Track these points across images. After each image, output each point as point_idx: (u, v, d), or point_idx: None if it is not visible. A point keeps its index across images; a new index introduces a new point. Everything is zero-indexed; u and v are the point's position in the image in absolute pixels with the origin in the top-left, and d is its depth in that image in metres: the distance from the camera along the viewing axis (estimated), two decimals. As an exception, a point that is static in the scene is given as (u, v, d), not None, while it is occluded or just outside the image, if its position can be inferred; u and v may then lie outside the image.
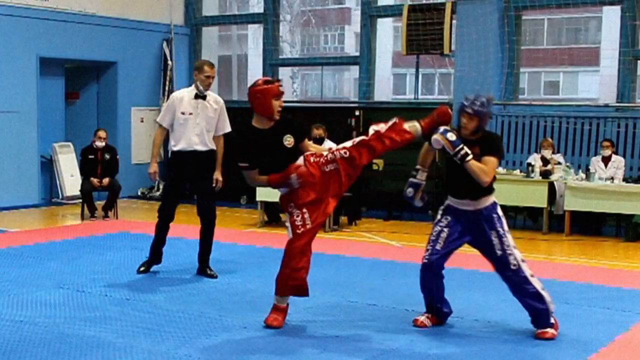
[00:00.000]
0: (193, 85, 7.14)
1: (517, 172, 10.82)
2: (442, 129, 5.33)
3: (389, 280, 7.21)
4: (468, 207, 5.57)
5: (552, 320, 5.51)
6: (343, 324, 5.69)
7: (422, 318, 5.69)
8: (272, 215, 11.18)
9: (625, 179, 10.16)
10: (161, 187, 14.34)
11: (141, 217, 11.77)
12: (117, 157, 11.61)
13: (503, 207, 11.55)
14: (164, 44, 14.48)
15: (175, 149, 7.12)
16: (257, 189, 10.77)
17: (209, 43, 15.54)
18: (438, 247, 5.60)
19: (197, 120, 7.05)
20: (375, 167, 12.65)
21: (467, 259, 8.60)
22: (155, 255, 7.39)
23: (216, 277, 7.13)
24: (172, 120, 7.08)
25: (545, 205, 10.39)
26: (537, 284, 5.45)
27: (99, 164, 11.35)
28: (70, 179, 12.96)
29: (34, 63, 12.56)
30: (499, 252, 5.46)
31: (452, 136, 5.26)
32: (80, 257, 8.08)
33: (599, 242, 9.94)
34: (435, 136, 5.34)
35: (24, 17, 12.35)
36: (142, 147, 14.38)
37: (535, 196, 10.42)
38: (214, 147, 7.18)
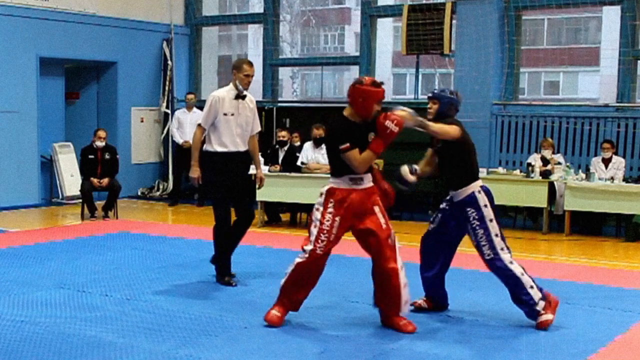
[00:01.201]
0: (231, 85, 6.92)
1: (517, 172, 10.82)
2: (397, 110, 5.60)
3: (389, 280, 7.19)
4: (452, 198, 5.91)
5: (540, 308, 5.63)
6: (343, 324, 5.69)
7: (420, 300, 6.05)
8: (272, 215, 11.19)
9: (625, 179, 10.16)
10: (161, 187, 14.37)
11: (141, 217, 11.77)
12: (117, 157, 11.60)
13: (503, 207, 11.65)
14: (164, 44, 14.49)
15: (216, 150, 6.86)
16: (257, 190, 10.77)
17: (209, 43, 15.54)
18: (433, 225, 6.08)
19: (238, 121, 6.88)
20: (375, 167, 12.64)
21: (467, 259, 8.60)
22: (226, 265, 7.07)
23: (235, 285, 6.94)
24: (213, 121, 6.84)
25: (545, 205, 10.39)
26: (516, 269, 5.66)
27: (98, 164, 11.35)
28: (70, 179, 12.96)
29: (34, 63, 12.56)
30: (474, 243, 5.78)
31: (405, 111, 5.58)
32: (81, 257, 8.08)
33: (599, 242, 9.94)
34: (392, 118, 5.55)
35: (24, 17, 12.35)
36: (142, 147, 14.39)
37: (535, 196, 10.42)
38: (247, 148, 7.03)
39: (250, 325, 5.60)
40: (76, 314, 5.83)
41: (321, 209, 5.48)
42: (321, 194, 5.57)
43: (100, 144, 11.38)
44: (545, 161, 10.75)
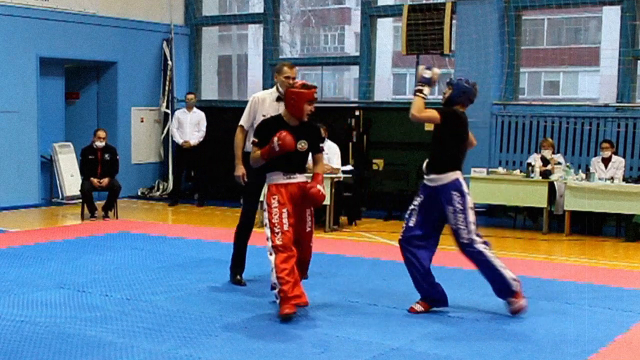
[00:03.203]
0: (274, 87, 6.93)
1: (517, 172, 10.82)
2: (425, 67, 6.05)
3: (389, 280, 7.21)
4: (433, 183, 6.03)
5: (515, 288, 5.91)
6: (343, 324, 5.69)
7: (415, 305, 6.06)
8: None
9: (625, 179, 10.16)
10: (161, 187, 14.37)
11: (141, 217, 11.77)
12: (117, 157, 11.60)
13: (503, 207, 11.63)
14: (164, 44, 14.49)
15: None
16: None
17: (209, 43, 15.54)
18: (411, 224, 6.12)
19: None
20: (375, 167, 12.65)
21: (467, 259, 8.60)
22: (239, 265, 7.06)
23: (245, 284, 6.97)
24: (252, 121, 6.83)
25: (545, 205, 10.39)
26: (489, 253, 5.92)
27: (98, 164, 11.35)
28: (70, 179, 12.96)
29: (34, 63, 12.56)
30: (453, 226, 5.95)
31: (427, 73, 5.97)
32: (81, 257, 8.08)
33: (599, 242, 9.94)
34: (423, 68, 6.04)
35: (24, 17, 12.35)
36: (142, 147, 14.39)
37: (535, 196, 10.42)
38: None
39: (250, 326, 5.61)
40: (76, 314, 5.83)
41: (267, 208, 5.90)
42: (263, 195, 6.11)
43: (100, 144, 11.38)
44: (545, 161, 10.75)
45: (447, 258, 8.53)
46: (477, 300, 6.50)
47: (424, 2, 13.39)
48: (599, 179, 10.09)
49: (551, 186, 10.31)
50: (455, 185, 6.00)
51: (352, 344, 5.22)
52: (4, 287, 6.65)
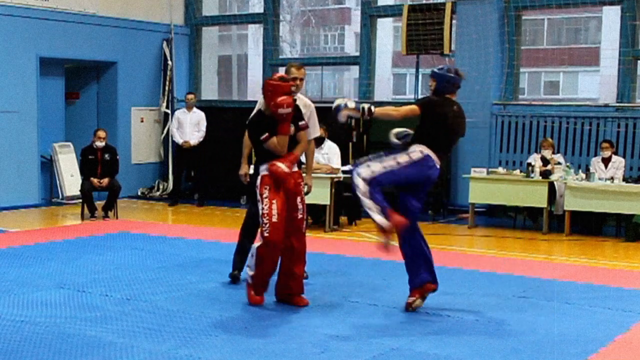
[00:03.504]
0: None
1: (517, 172, 10.82)
2: (341, 104, 5.80)
3: (389, 280, 7.21)
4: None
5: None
6: (343, 324, 5.69)
7: (409, 300, 6.08)
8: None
9: (625, 179, 10.16)
10: (161, 187, 14.37)
11: (141, 217, 11.77)
12: (117, 157, 11.60)
13: (503, 207, 11.63)
14: (164, 44, 14.48)
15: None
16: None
17: (209, 43, 15.54)
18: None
19: None
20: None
21: (467, 259, 8.62)
22: (241, 261, 7.02)
23: (238, 282, 7.04)
24: None
25: (545, 205, 10.39)
26: (362, 189, 5.74)
27: (98, 164, 11.35)
28: (70, 179, 12.96)
29: (34, 63, 12.56)
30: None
31: (351, 103, 5.79)
32: (81, 257, 8.08)
33: (599, 242, 9.94)
34: (340, 113, 5.83)
35: (24, 17, 12.35)
36: (142, 147, 14.39)
37: (535, 196, 10.42)
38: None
39: (250, 325, 5.61)
40: (76, 314, 5.83)
41: (259, 197, 6.06)
42: (257, 186, 6.15)
43: (100, 144, 11.37)
44: (545, 161, 10.75)
45: (447, 258, 8.55)
46: (477, 300, 6.50)
47: (424, 2, 13.39)
48: (599, 179, 10.09)
49: (551, 186, 10.32)
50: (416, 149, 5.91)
51: (352, 344, 5.22)
52: (4, 287, 6.65)
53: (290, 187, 6.11)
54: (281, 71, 14.96)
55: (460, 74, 6.19)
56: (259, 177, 6.15)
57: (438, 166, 5.99)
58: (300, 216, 6.16)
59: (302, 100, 6.86)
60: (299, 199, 6.17)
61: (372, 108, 5.83)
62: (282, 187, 6.05)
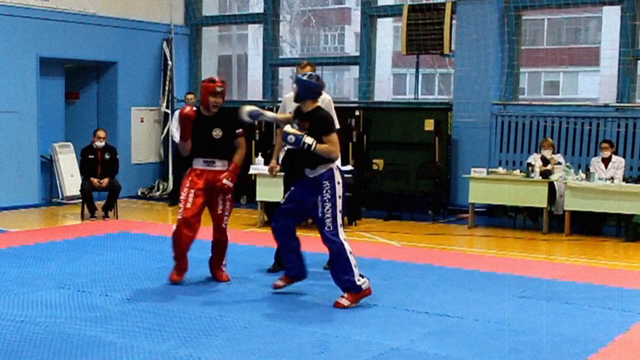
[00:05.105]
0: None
1: (517, 172, 10.82)
2: (286, 133, 6.19)
3: (389, 280, 7.21)
4: (308, 175, 6.31)
5: (361, 285, 6.16)
6: (343, 324, 5.69)
7: (279, 281, 6.60)
8: (272, 215, 11.16)
9: (625, 179, 10.15)
10: (161, 187, 14.38)
11: (141, 217, 11.77)
12: (117, 157, 11.60)
13: (503, 207, 11.63)
14: (164, 44, 14.49)
15: (286, 148, 7.16)
16: (258, 190, 10.79)
17: (209, 43, 15.54)
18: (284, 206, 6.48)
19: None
20: (375, 167, 12.65)
21: (467, 259, 8.62)
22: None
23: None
24: None
25: (545, 205, 10.39)
26: (348, 247, 6.14)
27: (98, 164, 11.35)
28: (70, 179, 12.97)
29: (34, 63, 12.56)
30: (319, 215, 6.20)
31: (291, 138, 6.13)
32: (81, 257, 8.08)
33: (599, 242, 9.94)
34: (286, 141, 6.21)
35: (24, 17, 12.35)
36: (142, 147, 14.39)
37: (535, 196, 10.42)
38: None
39: (250, 325, 5.61)
40: (76, 314, 5.83)
41: (181, 186, 6.85)
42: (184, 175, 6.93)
43: (99, 144, 11.37)
44: (545, 161, 10.75)
45: (447, 258, 8.56)
46: (477, 300, 6.50)
47: (424, 2, 13.40)
48: (599, 179, 10.08)
49: (551, 186, 10.31)
50: (329, 174, 6.24)
51: (352, 344, 5.22)
52: (4, 287, 6.65)
53: (214, 185, 6.72)
54: (281, 71, 14.98)
55: (321, 81, 6.47)
56: (189, 168, 6.92)
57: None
58: (220, 212, 6.87)
59: None
60: (220, 197, 6.79)
61: (313, 146, 6.10)
62: (205, 184, 6.73)
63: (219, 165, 6.81)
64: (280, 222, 6.48)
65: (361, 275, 6.20)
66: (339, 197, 6.21)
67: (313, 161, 6.21)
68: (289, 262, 6.58)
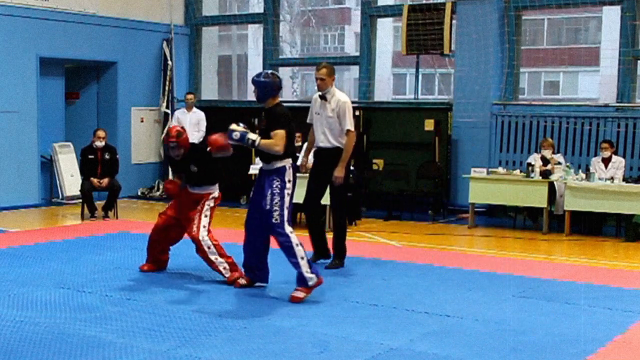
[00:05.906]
0: None
1: (517, 172, 10.82)
2: (231, 131, 6.37)
3: (389, 280, 7.21)
4: (263, 168, 6.58)
5: (311, 280, 6.30)
6: (343, 324, 5.69)
7: (242, 280, 6.81)
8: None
9: (625, 179, 10.15)
10: (161, 187, 14.37)
11: (141, 217, 11.76)
12: (117, 157, 11.60)
13: (503, 207, 11.63)
14: (164, 44, 14.49)
15: (317, 145, 7.76)
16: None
17: (209, 43, 15.54)
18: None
19: (321, 120, 7.64)
20: (375, 167, 12.65)
21: (467, 259, 8.62)
22: (317, 250, 7.88)
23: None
24: (311, 119, 7.80)
25: (545, 205, 10.39)
26: (294, 239, 6.32)
27: (98, 164, 11.34)
28: (70, 179, 12.96)
29: (34, 63, 12.56)
30: (267, 207, 6.38)
31: (237, 135, 6.34)
32: (81, 257, 8.08)
33: (599, 242, 9.94)
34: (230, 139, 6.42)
35: (24, 17, 12.35)
36: (142, 147, 14.39)
37: (535, 196, 10.42)
38: (340, 145, 7.58)
39: (250, 325, 5.61)
40: (76, 314, 5.83)
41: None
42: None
43: (99, 144, 11.37)
44: (545, 161, 10.75)
45: (447, 258, 8.56)
46: (477, 300, 6.50)
47: (424, 2, 13.39)
48: (599, 179, 10.08)
49: (551, 186, 10.31)
50: (281, 170, 6.44)
51: (352, 344, 5.22)
52: (4, 287, 6.65)
53: (187, 205, 7.17)
54: (281, 71, 14.98)
55: (277, 77, 6.58)
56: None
57: None
58: (190, 223, 7.06)
59: (335, 97, 7.65)
60: (196, 214, 7.05)
61: (256, 142, 6.31)
62: (183, 199, 7.22)
63: (198, 190, 7.21)
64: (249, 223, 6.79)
65: (310, 268, 6.32)
66: (288, 194, 6.40)
67: (268, 156, 6.43)
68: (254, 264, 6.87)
